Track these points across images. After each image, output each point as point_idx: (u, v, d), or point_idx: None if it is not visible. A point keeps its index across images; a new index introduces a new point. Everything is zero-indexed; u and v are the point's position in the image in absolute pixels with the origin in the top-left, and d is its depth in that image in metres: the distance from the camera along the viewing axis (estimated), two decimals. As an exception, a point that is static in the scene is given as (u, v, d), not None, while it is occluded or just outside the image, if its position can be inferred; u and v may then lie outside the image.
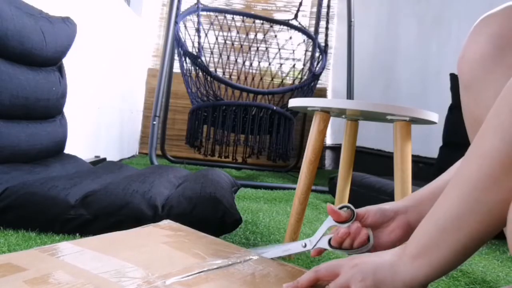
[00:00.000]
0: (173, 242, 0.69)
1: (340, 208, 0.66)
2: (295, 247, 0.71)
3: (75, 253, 0.59)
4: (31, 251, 0.60)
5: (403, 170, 1.00)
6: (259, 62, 3.39)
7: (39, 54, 1.45)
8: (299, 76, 3.24)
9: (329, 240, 0.67)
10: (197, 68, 2.55)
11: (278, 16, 3.70)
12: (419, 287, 0.48)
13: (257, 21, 3.27)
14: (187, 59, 2.60)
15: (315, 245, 0.68)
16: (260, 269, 0.63)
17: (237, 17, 3.31)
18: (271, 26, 3.31)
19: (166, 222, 0.84)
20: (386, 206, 0.66)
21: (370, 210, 0.65)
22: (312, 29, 3.29)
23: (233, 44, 3.33)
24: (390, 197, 1.45)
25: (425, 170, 2.33)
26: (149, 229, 0.78)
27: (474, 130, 0.55)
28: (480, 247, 0.46)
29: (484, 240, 0.45)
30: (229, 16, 3.27)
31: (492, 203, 0.42)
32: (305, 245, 0.69)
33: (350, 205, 0.66)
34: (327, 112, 1.05)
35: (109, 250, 0.61)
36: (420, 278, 0.47)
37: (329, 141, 3.75)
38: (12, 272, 0.50)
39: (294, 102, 1.11)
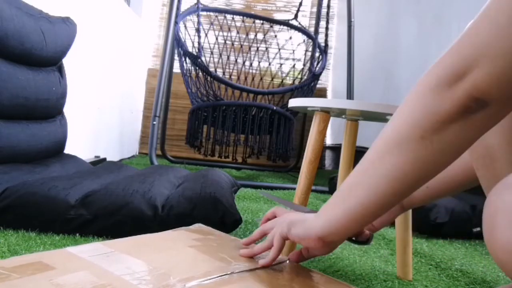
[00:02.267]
0: (201, 246, 0.69)
1: None
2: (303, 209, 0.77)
3: (104, 254, 0.61)
4: (63, 250, 0.62)
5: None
6: (259, 62, 3.39)
7: (39, 54, 1.45)
8: (299, 76, 3.25)
9: None
10: (197, 68, 2.55)
11: (278, 16, 3.70)
12: (318, 240, 0.57)
13: (257, 21, 3.27)
14: (187, 59, 2.60)
15: None
16: (287, 273, 0.63)
17: (237, 17, 3.31)
18: (271, 26, 3.31)
19: (197, 226, 0.84)
20: None
21: None
22: (312, 29, 3.29)
23: (233, 44, 3.33)
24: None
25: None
26: (179, 232, 0.78)
27: None
28: (373, 216, 0.54)
29: (372, 208, 0.52)
30: (229, 16, 3.27)
31: (375, 174, 0.51)
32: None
33: None
34: (327, 112, 1.05)
35: (137, 252, 0.62)
36: (317, 230, 0.57)
37: (329, 141, 3.75)
38: (41, 270, 0.53)
39: (294, 102, 1.11)
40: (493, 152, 0.61)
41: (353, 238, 0.74)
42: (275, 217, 0.68)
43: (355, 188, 0.53)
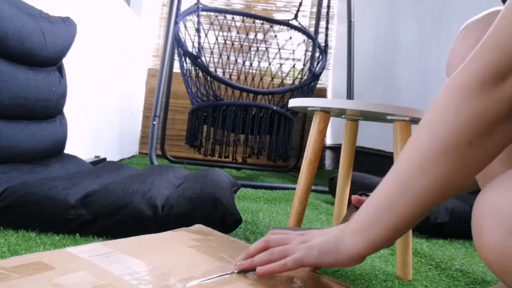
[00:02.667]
0: (201, 246, 0.69)
1: (361, 194, 0.73)
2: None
3: (103, 254, 0.61)
4: (63, 250, 0.62)
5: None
6: (259, 62, 3.39)
7: (39, 54, 1.45)
8: (299, 76, 3.25)
9: None
10: (197, 68, 2.55)
11: (278, 16, 3.70)
12: (359, 258, 0.54)
13: (257, 21, 3.27)
14: (187, 59, 2.60)
15: None
16: (286, 273, 0.63)
17: (237, 17, 3.31)
18: (271, 26, 3.31)
19: (197, 227, 0.84)
20: None
21: None
22: (312, 29, 3.29)
23: (233, 44, 3.33)
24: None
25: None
26: (180, 233, 0.78)
27: None
28: (411, 227, 0.53)
29: (414, 221, 0.51)
30: (229, 16, 3.27)
31: (418, 187, 0.48)
32: None
33: (368, 194, 0.72)
34: (327, 112, 1.05)
35: (137, 253, 0.62)
36: (359, 250, 0.53)
37: (329, 141, 3.75)
38: (41, 271, 0.53)
39: (294, 102, 1.11)
40: None
41: None
42: (267, 248, 0.59)
43: (395, 204, 0.50)
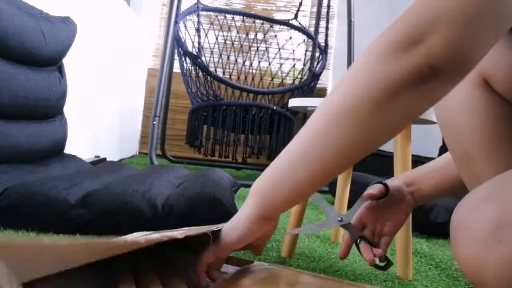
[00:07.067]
0: None
1: (376, 183, 0.75)
2: (331, 222, 0.75)
3: None
4: None
5: (403, 170, 1.00)
6: (259, 62, 3.39)
7: (39, 54, 1.45)
8: (299, 76, 3.24)
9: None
10: (197, 68, 2.55)
11: (278, 16, 3.70)
12: (260, 220, 0.55)
13: (257, 21, 3.27)
14: (187, 59, 2.60)
15: (350, 220, 0.73)
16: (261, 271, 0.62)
17: (237, 17, 3.31)
18: (271, 26, 3.31)
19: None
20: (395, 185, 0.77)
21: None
22: (312, 29, 3.29)
23: (233, 44, 3.33)
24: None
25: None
26: None
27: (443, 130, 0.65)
28: (312, 191, 0.53)
29: (313, 184, 0.51)
30: (229, 16, 3.27)
31: (323, 149, 0.48)
32: (341, 220, 0.73)
33: (384, 182, 0.74)
34: (327, 112, 1.04)
35: None
36: (259, 211, 0.55)
37: (329, 141, 3.74)
38: None
39: (294, 102, 1.11)
40: (469, 152, 0.61)
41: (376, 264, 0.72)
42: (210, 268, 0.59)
43: (299, 164, 0.50)
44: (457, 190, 0.77)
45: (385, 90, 0.43)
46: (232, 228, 0.57)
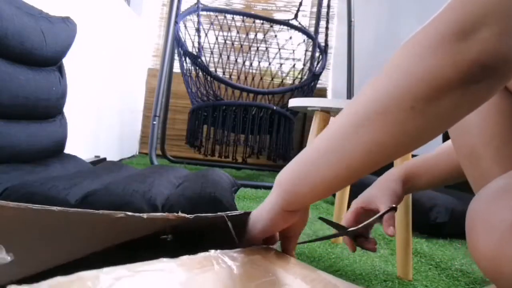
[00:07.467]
0: None
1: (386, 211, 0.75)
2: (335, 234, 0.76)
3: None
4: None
5: (403, 170, 1.00)
6: (259, 62, 3.39)
7: (39, 54, 1.45)
8: (299, 76, 3.25)
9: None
10: (197, 68, 2.55)
11: (278, 16, 3.70)
12: (284, 214, 0.53)
13: (257, 21, 3.28)
14: (187, 59, 2.60)
15: (356, 228, 0.73)
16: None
17: (237, 17, 3.31)
18: (271, 26, 3.31)
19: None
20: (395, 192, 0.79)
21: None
22: (312, 29, 3.29)
23: (233, 44, 3.33)
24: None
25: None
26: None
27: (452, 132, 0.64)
28: (335, 191, 0.53)
29: (338, 183, 0.48)
30: (229, 16, 3.27)
31: (350, 150, 0.44)
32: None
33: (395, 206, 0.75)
34: (327, 112, 1.05)
35: None
36: (283, 205, 0.52)
37: (329, 141, 3.74)
38: None
39: (294, 102, 1.12)
40: (477, 151, 0.60)
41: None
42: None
43: (324, 162, 0.47)
44: (453, 180, 0.78)
45: (427, 89, 0.38)
46: (257, 219, 0.55)
